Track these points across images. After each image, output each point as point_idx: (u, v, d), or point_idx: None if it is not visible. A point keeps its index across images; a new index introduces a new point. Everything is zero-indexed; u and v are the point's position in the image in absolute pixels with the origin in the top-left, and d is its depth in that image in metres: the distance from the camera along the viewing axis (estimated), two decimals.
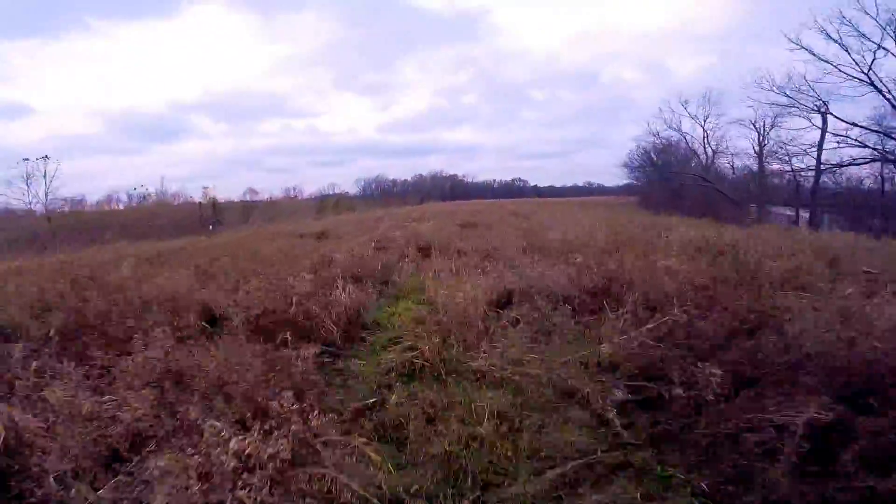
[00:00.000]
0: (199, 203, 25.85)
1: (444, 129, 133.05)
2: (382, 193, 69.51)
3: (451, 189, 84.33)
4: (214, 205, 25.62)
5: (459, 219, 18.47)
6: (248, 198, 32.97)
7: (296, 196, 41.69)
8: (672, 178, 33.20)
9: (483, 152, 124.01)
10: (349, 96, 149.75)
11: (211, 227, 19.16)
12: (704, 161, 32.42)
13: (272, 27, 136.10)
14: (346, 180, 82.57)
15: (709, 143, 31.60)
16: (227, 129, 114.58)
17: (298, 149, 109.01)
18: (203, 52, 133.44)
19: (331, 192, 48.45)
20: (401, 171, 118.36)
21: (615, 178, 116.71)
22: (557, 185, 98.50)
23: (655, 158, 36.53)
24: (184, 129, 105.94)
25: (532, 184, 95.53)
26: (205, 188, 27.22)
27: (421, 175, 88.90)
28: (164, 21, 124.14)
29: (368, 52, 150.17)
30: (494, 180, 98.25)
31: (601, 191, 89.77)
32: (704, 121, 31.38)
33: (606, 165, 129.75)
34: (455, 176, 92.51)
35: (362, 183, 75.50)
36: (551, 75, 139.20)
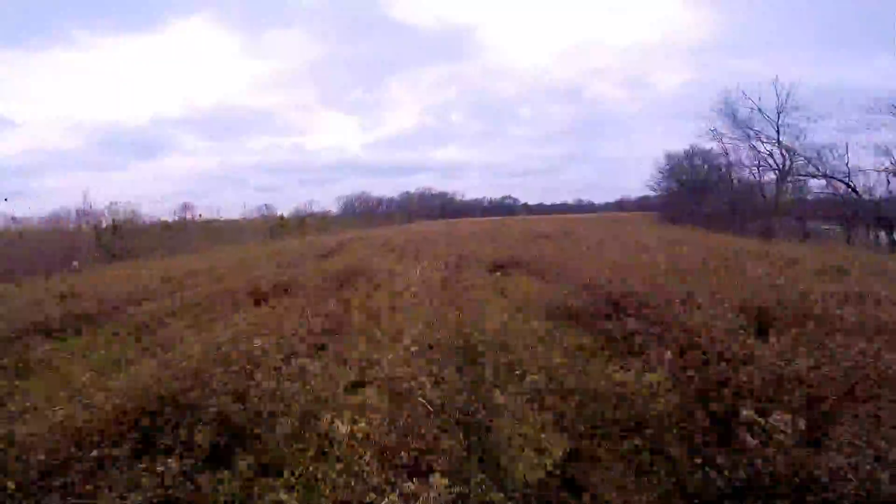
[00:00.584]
0: (95, 225, 18.28)
1: (431, 148, 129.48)
2: (366, 211, 64.05)
3: (441, 207, 79.34)
4: (115, 227, 18.09)
5: (480, 251, 11.78)
6: (185, 215, 25.30)
7: (269, 214, 34.29)
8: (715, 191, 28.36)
9: (470, 170, 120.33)
10: (336, 114, 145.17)
11: (75, 263, 11.87)
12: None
13: (258, 43, 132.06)
14: (332, 198, 75.82)
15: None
16: (212, 145, 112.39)
17: (284, 166, 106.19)
18: (188, 67, 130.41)
19: (309, 210, 41.31)
20: (388, 189, 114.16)
21: (606, 194, 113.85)
22: (546, 202, 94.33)
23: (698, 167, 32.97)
24: (167, 145, 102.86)
25: (522, 201, 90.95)
26: (109, 205, 19.63)
27: (408, 193, 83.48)
28: (150, 35, 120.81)
29: (355, 70, 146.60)
30: (485, 197, 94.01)
31: (592, 208, 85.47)
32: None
33: (593, 182, 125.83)
34: (445, 194, 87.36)
35: (343, 200, 68.07)
36: (538, 91, 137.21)
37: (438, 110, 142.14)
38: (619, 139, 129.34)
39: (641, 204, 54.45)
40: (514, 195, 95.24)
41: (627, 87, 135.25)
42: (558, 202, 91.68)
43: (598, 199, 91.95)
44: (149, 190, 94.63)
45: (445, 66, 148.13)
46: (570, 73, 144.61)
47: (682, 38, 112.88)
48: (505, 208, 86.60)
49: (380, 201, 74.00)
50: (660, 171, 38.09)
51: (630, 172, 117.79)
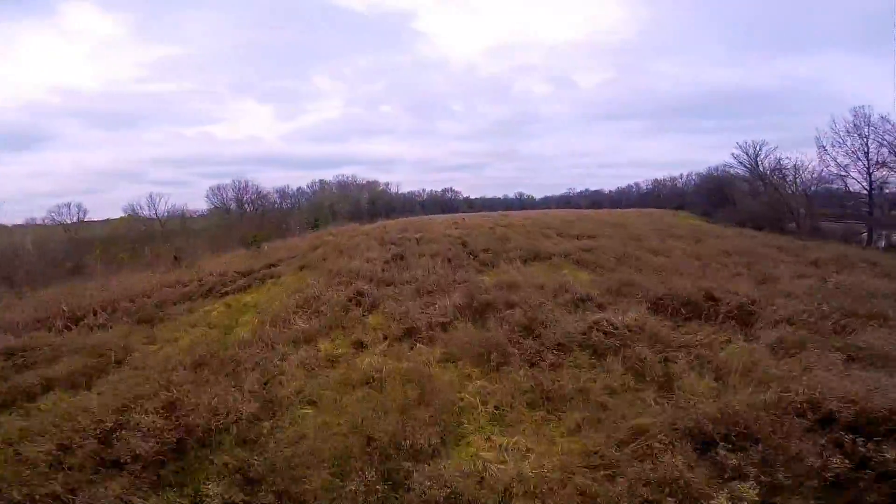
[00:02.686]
0: None
1: (359, 140, 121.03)
2: (256, 210, 43.99)
3: (371, 203, 60.36)
4: None
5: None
6: None
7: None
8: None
9: (402, 164, 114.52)
10: (250, 103, 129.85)
11: None
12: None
13: (160, 27, 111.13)
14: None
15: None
16: (103, 137, 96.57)
17: (191, 159, 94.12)
18: (77, 52, 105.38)
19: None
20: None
21: (545, 190, 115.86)
22: (473, 196, 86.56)
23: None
24: (48, 137, 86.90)
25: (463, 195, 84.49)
26: None
27: (322, 182, 60.80)
28: (36, 20, 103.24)
29: (274, 56, 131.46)
30: (424, 190, 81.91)
31: (534, 203, 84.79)
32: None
33: (515, 179, 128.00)
34: (375, 183, 66.81)
35: (216, 194, 46.03)
36: (469, 86, 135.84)
37: (367, 102, 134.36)
38: (543, 136, 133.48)
39: (643, 200, 58.29)
40: (454, 188, 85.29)
41: (553, 85, 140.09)
42: (500, 196, 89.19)
43: (540, 194, 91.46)
44: (29, 187, 75.06)
45: (375, 56, 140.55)
46: (499, 68, 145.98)
47: (605, 38, 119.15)
48: (446, 203, 78.40)
49: (284, 194, 53.54)
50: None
51: (552, 170, 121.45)
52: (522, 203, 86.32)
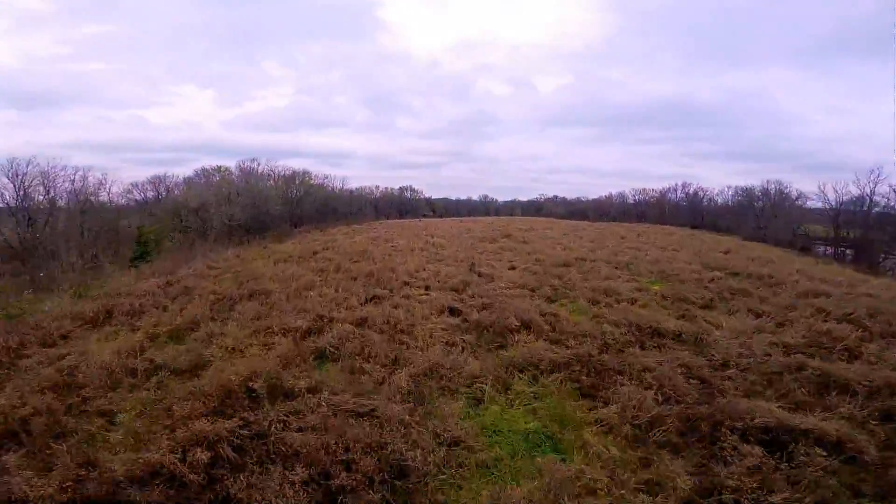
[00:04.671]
0: None
1: (310, 132, 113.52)
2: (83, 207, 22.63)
3: (291, 204, 36.95)
4: None
5: None
6: None
7: None
8: None
9: (355, 160, 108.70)
10: (189, 87, 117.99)
11: None
12: None
13: (92, 3, 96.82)
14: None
15: None
16: (15, 117, 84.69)
17: (119, 145, 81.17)
18: None
19: None
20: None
21: (496, 192, 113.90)
22: (435, 196, 78.58)
23: None
24: None
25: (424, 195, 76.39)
26: None
27: (205, 172, 38.64)
28: None
29: (218, 38, 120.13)
30: (377, 187, 68.09)
31: (498, 208, 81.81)
32: None
33: (469, 180, 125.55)
34: (302, 175, 41.31)
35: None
36: (430, 82, 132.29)
37: (321, 91, 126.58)
38: (498, 139, 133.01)
39: (630, 214, 54.93)
40: (414, 186, 73.80)
41: (513, 86, 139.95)
42: (463, 198, 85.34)
43: (504, 198, 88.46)
44: None
45: (331, 43, 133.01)
46: (462, 66, 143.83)
47: (569, 42, 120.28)
48: (405, 203, 70.87)
49: (138, 187, 35.18)
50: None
51: (502, 173, 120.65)
52: (486, 207, 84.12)
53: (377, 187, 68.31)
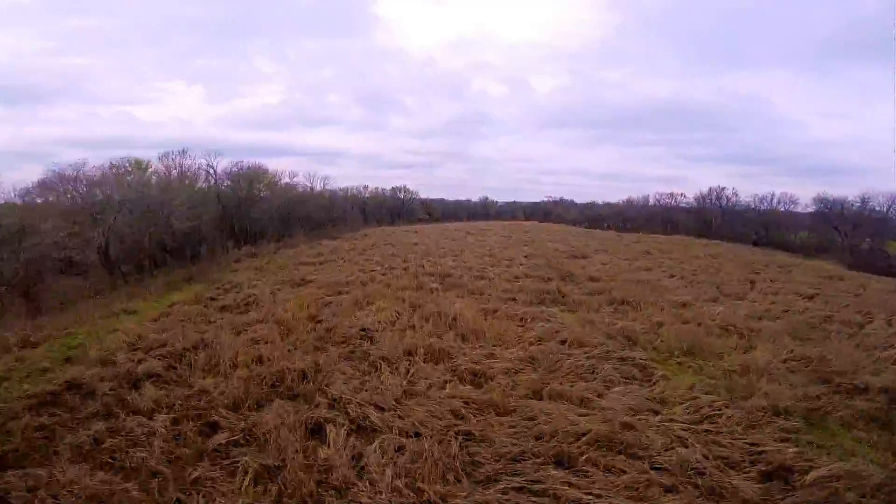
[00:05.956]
0: None
1: (302, 130, 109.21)
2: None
3: (236, 207, 27.85)
4: None
5: None
6: None
7: None
8: None
9: (347, 158, 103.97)
10: (178, 83, 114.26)
11: None
12: None
13: None
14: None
15: None
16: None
17: (106, 141, 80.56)
18: None
19: None
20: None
21: (491, 194, 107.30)
22: (431, 197, 71.47)
23: None
24: None
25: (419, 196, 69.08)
26: None
27: (113, 165, 22.77)
28: None
29: (208, 33, 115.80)
30: (366, 187, 58.93)
31: (499, 210, 75.88)
32: None
33: (463, 181, 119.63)
34: (256, 170, 31.62)
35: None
36: (425, 81, 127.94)
37: (313, 89, 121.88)
38: (493, 139, 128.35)
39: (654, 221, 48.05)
40: (409, 187, 64.96)
41: (509, 86, 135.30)
42: (462, 199, 79.47)
43: (502, 199, 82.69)
44: None
45: (325, 39, 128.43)
46: (458, 64, 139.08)
47: (567, 41, 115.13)
48: (399, 205, 62.03)
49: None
50: None
51: (496, 174, 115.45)
52: (486, 209, 78.85)
53: (366, 187, 59.42)
